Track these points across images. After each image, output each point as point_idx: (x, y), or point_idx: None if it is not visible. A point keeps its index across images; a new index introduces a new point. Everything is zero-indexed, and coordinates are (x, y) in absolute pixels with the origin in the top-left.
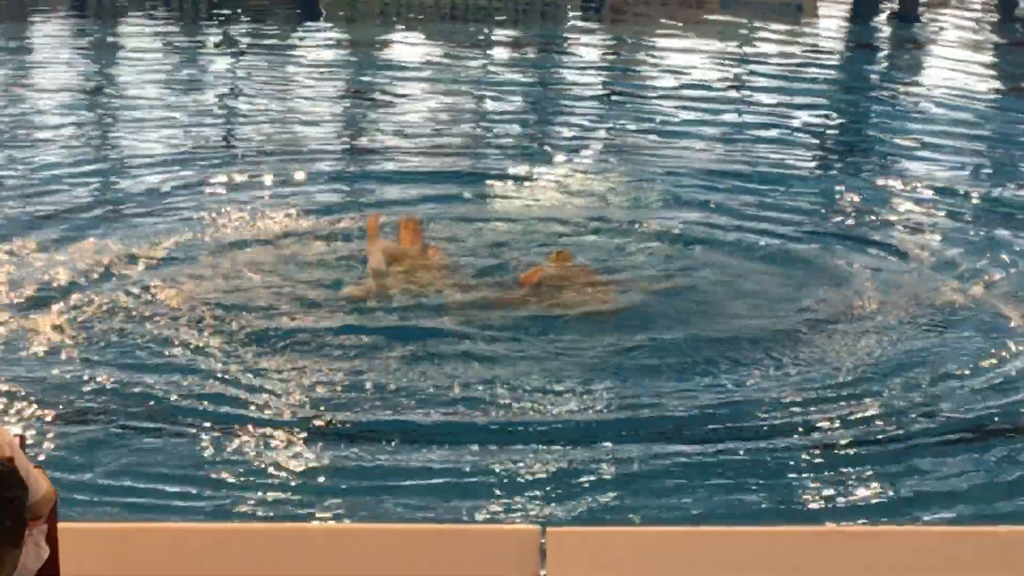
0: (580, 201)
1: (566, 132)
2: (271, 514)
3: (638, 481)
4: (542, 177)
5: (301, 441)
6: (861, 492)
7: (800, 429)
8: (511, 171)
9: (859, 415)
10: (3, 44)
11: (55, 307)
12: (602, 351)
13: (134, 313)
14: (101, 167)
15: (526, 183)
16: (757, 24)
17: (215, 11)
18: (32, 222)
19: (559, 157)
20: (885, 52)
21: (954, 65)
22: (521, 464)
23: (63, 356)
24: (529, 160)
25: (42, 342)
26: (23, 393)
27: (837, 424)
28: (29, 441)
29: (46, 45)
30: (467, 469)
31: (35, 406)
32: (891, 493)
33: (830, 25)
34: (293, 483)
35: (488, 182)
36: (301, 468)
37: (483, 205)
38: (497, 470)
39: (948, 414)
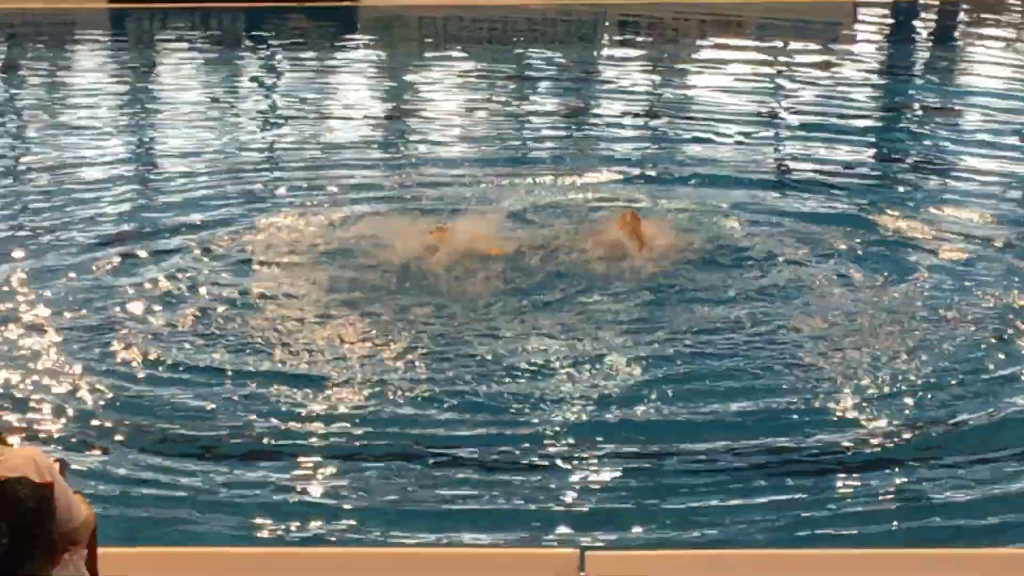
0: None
1: (601, 151)
2: (308, 537)
3: (676, 501)
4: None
5: (333, 464)
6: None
7: (854, 451)
8: (548, 185)
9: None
10: (42, 66)
11: (104, 329)
12: (640, 363)
13: (179, 333)
14: (138, 188)
15: (566, 194)
16: (795, 44)
17: (253, 31)
18: (67, 243)
19: (594, 175)
20: (922, 71)
21: (992, 83)
22: (558, 486)
23: (101, 379)
24: (565, 177)
25: (79, 366)
26: (65, 416)
27: (894, 446)
28: (73, 466)
29: (85, 68)
30: (502, 490)
31: (77, 430)
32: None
33: (868, 44)
34: (331, 508)
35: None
36: (338, 492)
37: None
38: (535, 492)
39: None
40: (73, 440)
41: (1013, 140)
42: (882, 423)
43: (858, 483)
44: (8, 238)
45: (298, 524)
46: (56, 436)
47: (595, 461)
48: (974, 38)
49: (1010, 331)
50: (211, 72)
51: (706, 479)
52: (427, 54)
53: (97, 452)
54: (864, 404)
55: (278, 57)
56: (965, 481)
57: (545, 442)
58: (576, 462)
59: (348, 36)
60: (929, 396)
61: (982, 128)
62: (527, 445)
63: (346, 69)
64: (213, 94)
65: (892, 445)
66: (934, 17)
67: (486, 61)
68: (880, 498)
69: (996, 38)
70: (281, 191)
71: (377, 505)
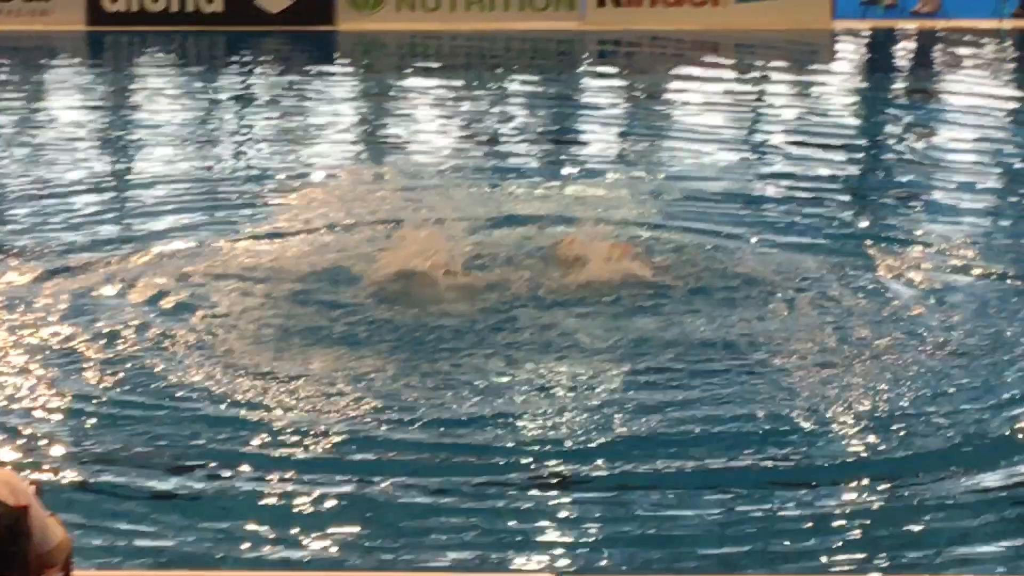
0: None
1: (576, 173)
2: (279, 561)
3: (654, 525)
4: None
5: (303, 489)
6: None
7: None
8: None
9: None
10: (18, 88)
11: (76, 348)
12: (615, 385)
13: (154, 353)
14: (112, 207)
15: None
16: (773, 69)
17: (231, 55)
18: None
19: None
20: (900, 96)
21: (970, 108)
22: (534, 509)
23: (80, 398)
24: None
25: (59, 384)
26: (37, 438)
27: (891, 470)
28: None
29: (61, 90)
30: (476, 514)
31: (51, 451)
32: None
33: (846, 70)
34: (302, 533)
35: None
36: (308, 517)
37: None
38: (509, 515)
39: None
40: (46, 463)
41: (991, 165)
42: (867, 446)
43: (847, 508)
44: None
45: (270, 548)
46: (29, 459)
47: (571, 484)
48: (951, 64)
49: (990, 355)
50: (188, 95)
51: (686, 503)
52: (405, 77)
53: (71, 474)
54: (850, 428)
55: (256, 80)
56: (960, 507)
57: (521, 465)
58: (553, 485)
59: (326, 60)
60: (921, 422)
61: (961, 153)
62: (501, 468)
63: (324, 92)
64: (189, 117)
65: (880, 471)
66: (913, 44)
67: (464, 83)
68: (870, 523)
69: (973, 64)
70: (257, 213)
71: (347, 530)
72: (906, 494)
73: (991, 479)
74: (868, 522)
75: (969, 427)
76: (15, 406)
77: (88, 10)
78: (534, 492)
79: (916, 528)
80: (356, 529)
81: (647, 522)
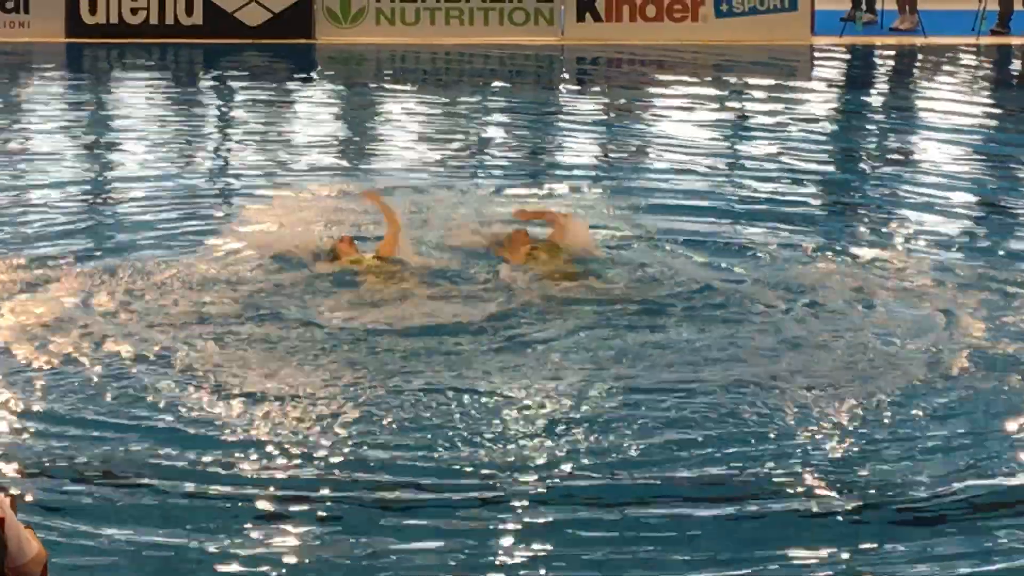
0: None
1: (557, 187)
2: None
3: (640, 546)
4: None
5: (274, 505)
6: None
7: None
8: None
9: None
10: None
11: (46, 356)
12: (595, 401)
13: (125, 361)
14: (85, 217)
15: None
16: (752, 84)
17: (210, 67)
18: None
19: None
20: (879, 112)
21: (948, 125)
22: (513, 526)
23: (51, 409)
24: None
25: (31, 394)
26: (11, 449)
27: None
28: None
29: (40, 101)
30: (456, 534)
31: (24, 463)
32: None
33: (825, 85)
34: (279, 552)
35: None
36: (288, 534)
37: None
38: (488, 535)
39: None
40: (22, 475)
41: (970, 180)
42: (857, 471)
43: (835, 534)
44: None
45: (250, 567)
46: (3, 470)
47: (552, 501)
48: (930, 81)
49: (983, 370)
50: (166, 107)
51: (672, 525)
52: (383, 90)
53: (47, 488)
54: (836, 451)
55: (234, 93)
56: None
57: (497, 480)
58: (534, 501)
59: (305, 73)
60: (915, 438)
61: (941, 168)
62: (472, 485)
63: (302, 105)
64: (167, 128)
65: (875, 492)
66: (891, 61)
67: (442, 97)
68: (863, 550)
69: (951, 81)
70: (231, 225)
71: (328, 549)
72: (902, 514)
73: (988, 496)
74: (856, 539)
75: (963, 443)
76: None
77: (67, 21)
78: (511, 509)
79: (914, 548)
80: (330, 548)
81: (633, 540)
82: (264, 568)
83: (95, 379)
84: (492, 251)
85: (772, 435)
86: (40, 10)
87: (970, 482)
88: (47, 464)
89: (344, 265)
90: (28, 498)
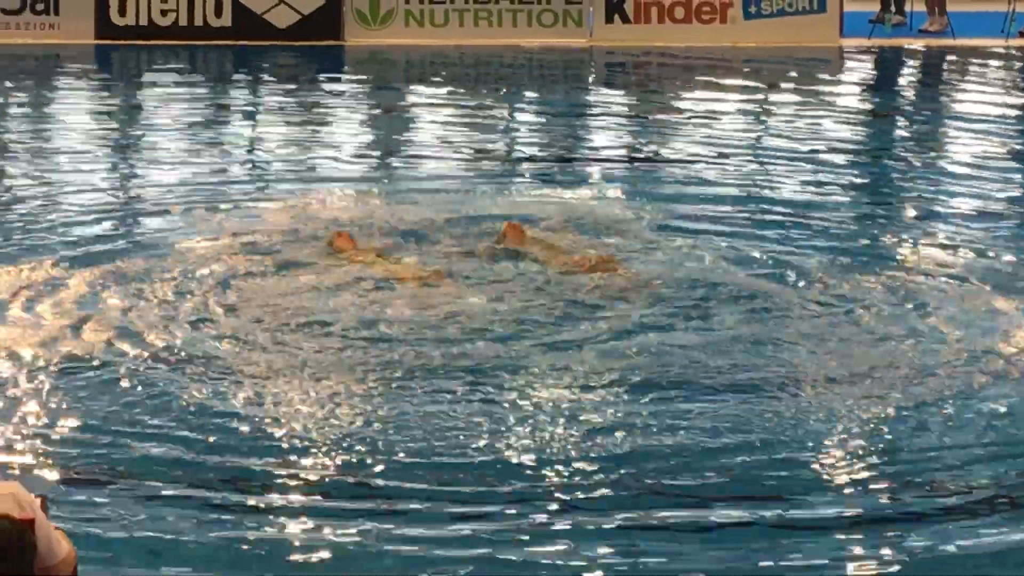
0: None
1: (584, 190)
2: None
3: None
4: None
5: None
6: None
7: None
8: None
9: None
10: (28, 102)
11: (81, 359)
12: (617, 407)
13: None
14: (115, 218)
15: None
16: (782, 85)
17: (240, 68)
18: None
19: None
20: (907, 114)
21: (976, 127)
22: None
23: (84, 411)
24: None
25: (65, 396)
26: (41, 451)
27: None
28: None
29: (69, 102)
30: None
31: (55, 464)
32: None
33: (854, 87)
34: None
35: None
36: (304, 537)
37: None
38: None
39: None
40: (53, 476)
41: (998, 182)
42: (883, 477)
43: (861, 544)
44: None
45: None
46: (35, 471)
47: (571, 509)
48: (960, 83)
49: (1004, 374)
50: (195, 108)
51: (694, 535)
52: (412, 92)
53: (78, 488)
54: (862, 456)
55: (263, 94)
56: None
57: (518, 489)
58: (554, 510)
59: (333, 74)
60: (939, 448)
61: (968, 170)
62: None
63: (330, 106)
64: (197, 129)
65: (893, 500)
66: (920, 62)
67: (471, 99)
68: (886, 558)
69: (980, 83)
70: (260, 224)
71: (351, 550)
72: (920, 527)
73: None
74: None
75: (983, 448)
76: (20, 419)
77: (97, 23)
78: (532, 517)
79: (933, 560)
80: (353, 552)
81: (651, 550)
82: (287, 570)
83: (126, 381)
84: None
85: (810, 440)
86: (70, 11)
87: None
88: (78, 466)
89: (354, 260)
90: (59, 500)
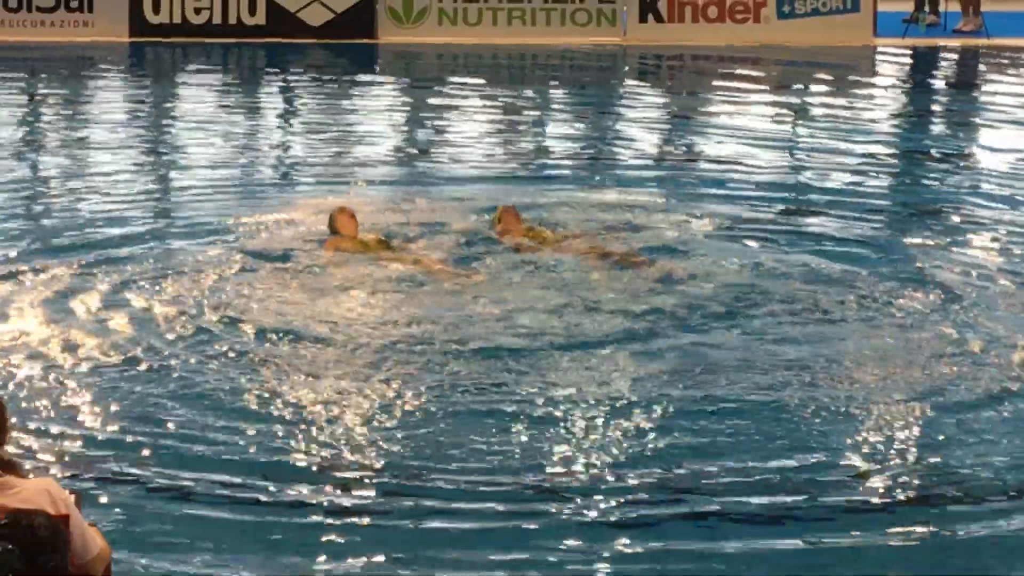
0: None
1: (613, 188)
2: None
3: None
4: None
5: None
6: None
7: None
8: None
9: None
10: (61, 98)
11: (115, 354)
12: (643, 406)
13: (194, 364)
14: (149, 215)
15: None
16: (813, 86)
17: (271, 66)
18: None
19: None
20: (941, 115)
21: (1011, 128)
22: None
23: (120, 408)
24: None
25: (100, 393)
26: (74, 448)
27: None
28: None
29: (103, 100)
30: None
31: (88, 461)
32: None
33: (887, 87)
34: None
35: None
36: (337, 531)
37: None
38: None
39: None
40: (87, 473)
41: None
42: (907, 470)
43: (886, 533)
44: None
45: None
46: (70, 468)
47: (607, 505)
48: (995, 83)
49: None
50: (229, 106)
51: (718, 531)
52: (445, 91)
53: (112, 485)
54: (890, 450)
55: (297, 92)
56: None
57: (548, 480)
58: (583, 507)
59: (367, 72)
60: (973, 446)
61: (1003, 171)
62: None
63: (364, 104)
64: (230, 127)
65: (917, 495)
66: (954, 62)
67: (504, 97)
68: (913, 546)
69: (1017, 82)
70: (294, 221)
71: (380, 548)
72: (954, 534)
73: None
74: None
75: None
76: (54, 415)
77: (131, 21)
78: (562, 516)
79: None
80: (382, 550)
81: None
82: (318, 567)
83: (159, 378)
84: (493, 232)
85: (842, 440)
86: (104, 10)
87: None
88: (111, 462)
89: (360, 250)
90: (94, 496)
